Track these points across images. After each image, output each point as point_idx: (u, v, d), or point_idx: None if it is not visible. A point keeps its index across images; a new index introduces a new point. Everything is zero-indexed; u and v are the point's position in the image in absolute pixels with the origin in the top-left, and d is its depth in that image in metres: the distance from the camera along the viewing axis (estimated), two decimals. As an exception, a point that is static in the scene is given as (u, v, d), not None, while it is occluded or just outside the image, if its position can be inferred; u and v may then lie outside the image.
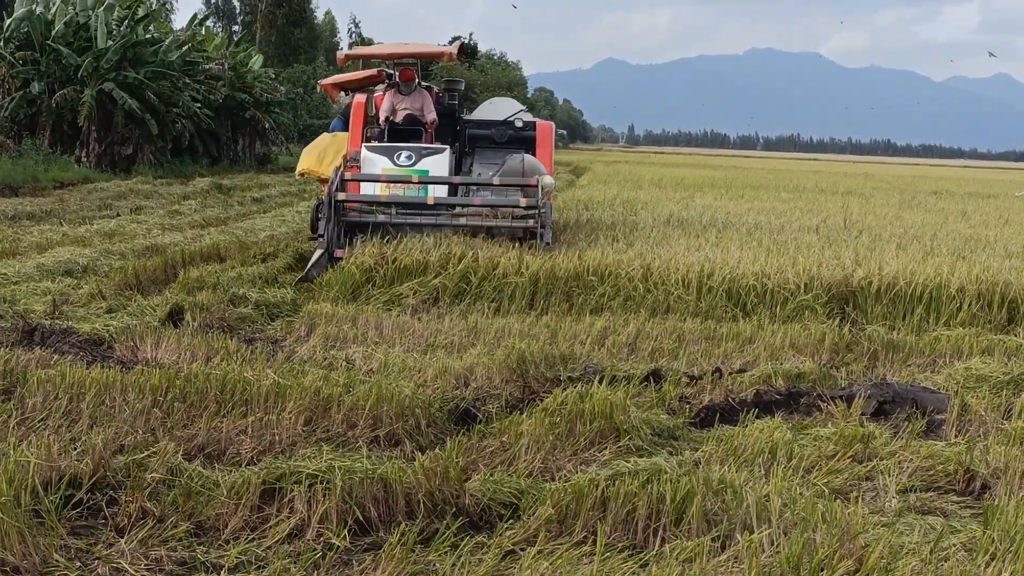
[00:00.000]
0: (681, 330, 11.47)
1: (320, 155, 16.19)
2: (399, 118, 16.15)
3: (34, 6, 34.96)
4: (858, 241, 16.78)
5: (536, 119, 17.09)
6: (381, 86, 17.46)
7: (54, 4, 35.04)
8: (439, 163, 15.14)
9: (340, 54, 17.63)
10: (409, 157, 15.17)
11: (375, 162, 15.10)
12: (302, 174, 16.59)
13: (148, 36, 36.07)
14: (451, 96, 17.94)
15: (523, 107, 17.20)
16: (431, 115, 16.24)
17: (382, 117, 16.12)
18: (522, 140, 16.45)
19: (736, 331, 11.41)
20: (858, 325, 12.23)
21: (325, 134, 16.99)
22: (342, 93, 18.23)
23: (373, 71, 17.94)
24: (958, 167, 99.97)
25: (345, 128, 16.75)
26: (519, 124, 16.63)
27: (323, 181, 15.57)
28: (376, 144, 15.50)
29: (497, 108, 17.22)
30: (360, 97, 16.34)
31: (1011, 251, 16.31)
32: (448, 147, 15.56)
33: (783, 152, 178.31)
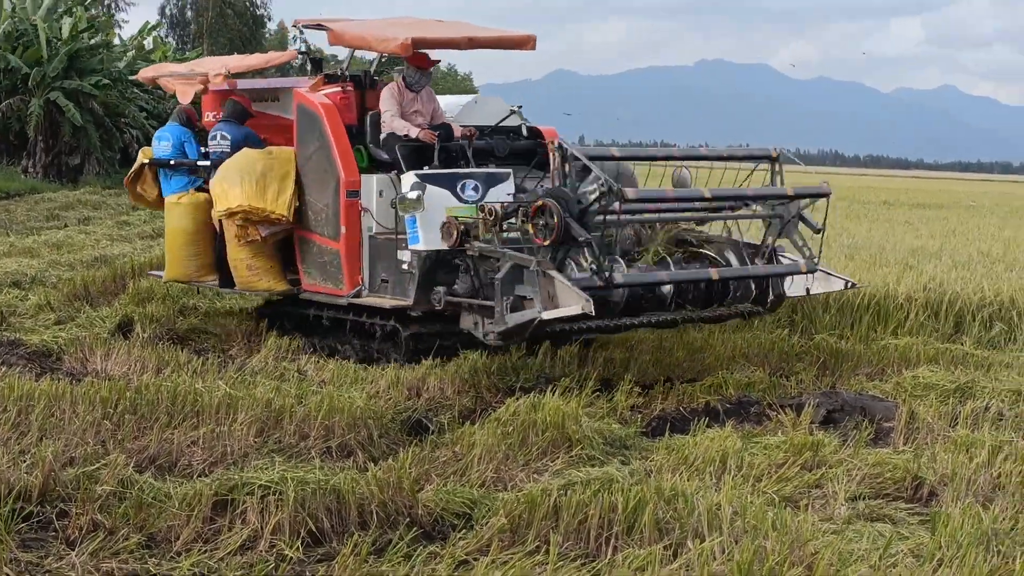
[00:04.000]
0: (632, 340, 11.52)
1: (259, 182, 10.84)
2: (416, 127, 10.86)
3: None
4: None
5: (534, 125, 12.16)
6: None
7: (-4, 13, 34.71)
8: (506, 194, 10.47)
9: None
10: (476, 188, 10.39)
11: (438, 200, 10.01)
12: (233, 214, 10.96)
13: (94, 42, 35.79)
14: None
15: (514, 106, 11.93)
16: (443, 119, 11.39)
17: (399, 126, 10.81)
18: (528, 152, 11.33)
19: (687, 341, 11.48)
20: (807, 334, 12.34)
21: (247, 150, 11.22)
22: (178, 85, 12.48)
23: (289, 52, 13.71)
24: (906, 177, 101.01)
25: (186, 132, 12.29)
26: (524, 132, 11.80)
27: (268, 221, 11.00)
28: (434, 171, 10.37)
29: (485, 109, 12.00)
30: (323, 95, 11.10)
31: (958, 261, 16.51)
32: (511, 170, 10.76)
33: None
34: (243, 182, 10.85)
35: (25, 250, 17.17)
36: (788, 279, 10.54)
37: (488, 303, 9.32)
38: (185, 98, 12.23)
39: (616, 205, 8.95)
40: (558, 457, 7.49)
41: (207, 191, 11.87)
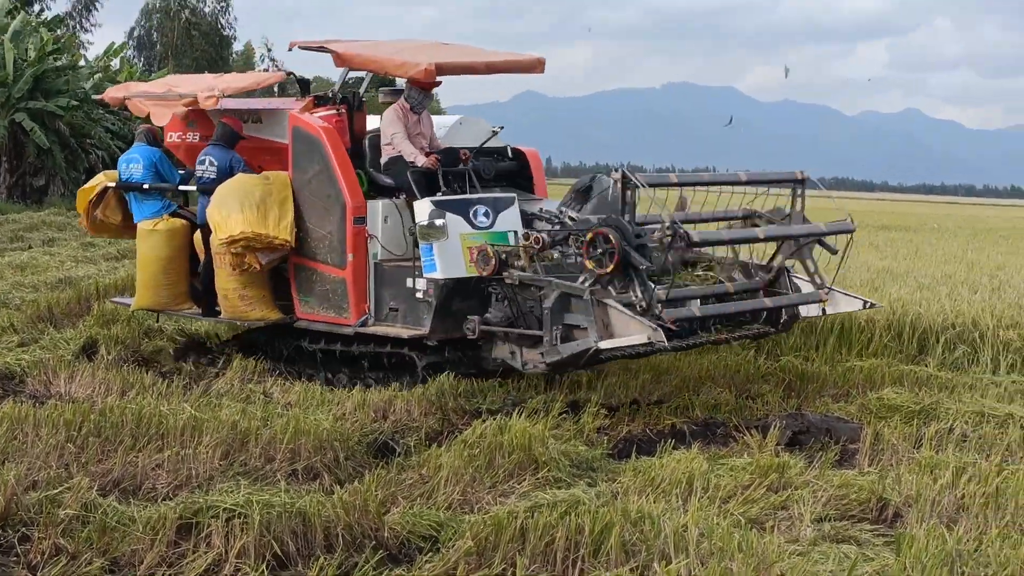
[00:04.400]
0: (599, 362, 11.54)
1: (259, 207, 10.50)
2: (420, 149, 10.85)
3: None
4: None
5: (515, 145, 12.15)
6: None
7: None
8: (513, 220, 10.33)
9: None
10: (487, 214, 10.18)
11: (452, 226, 9.90)
12: (235, 241, 10.51)
13: (60, 64, 35.60)
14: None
15: (495, 127, 11.85)
16: (437, 143, 11.36)
17: (408, 150, 10.70)
18: (513, 173, 11.53)
19: (653, 363, 11.50)
20: (772, 356, 12.39)
21: (242, 175, 10.89)
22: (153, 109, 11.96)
23: (278, 73, 12.71)
24: (871, 200, 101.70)
25: (156, 153, 11.93)
26: (511, 153, 11.77)
27: (271, 248, 10.69)
28: (446, 197, 10.24)
29: (469, 130, 11.87)
30: (320, 118, 10.82)
31: (921, 283, 16.61)
32: (515, 195, 10.62)
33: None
34: (244, 208, 10.48)
35: (-12, 271, 17.04)
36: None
37: (530, 332, 9.27)
38: (161, 120, 11.80)
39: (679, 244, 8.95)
40: (525, 479, 7.48)
41: (183, 216, 11.70)
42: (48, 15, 50.07)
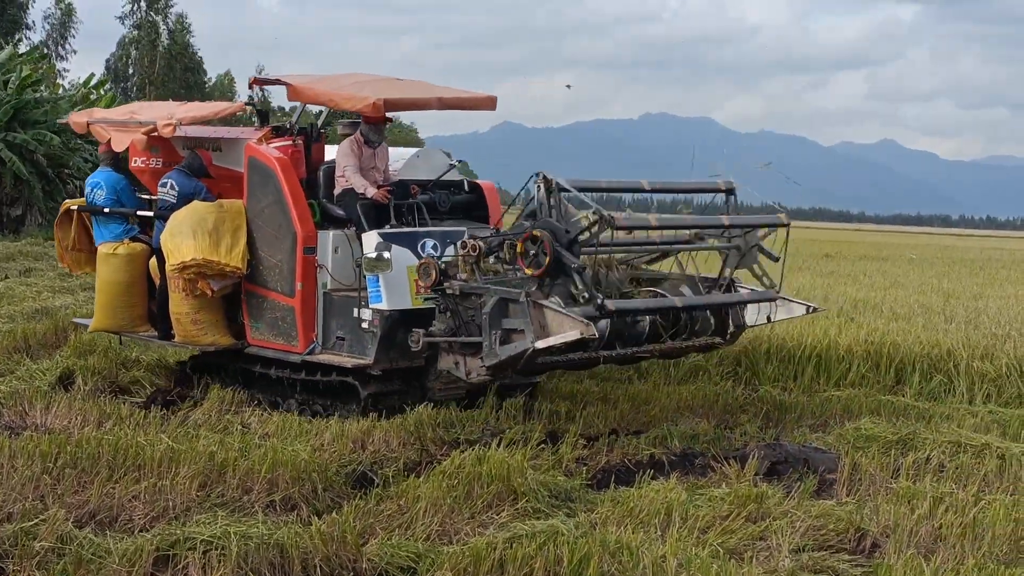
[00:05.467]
0: (578, 392, 11.55)
1: (211, 235, 10.63)
2: (373, 182, 10.88)
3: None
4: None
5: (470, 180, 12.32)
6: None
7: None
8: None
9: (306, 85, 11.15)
10: (435, 247, 10.34)
11: (399, 259, 10.01)
12: (186, 267, 10.66)
13: (37, 95, 35.55)
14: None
15: (453, 161, 12.03)
16: (390, 175, 11.44)
17: (359, 183, 10.74)
18: (469, 205, 11.61)
19: (632, 392, 11.52)
20: (751, 386, 12.42)
21: (197, 203, 10.95)
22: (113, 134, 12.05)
23: (237, 103, 12.77)
24: (849, 230, 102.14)
25: (121, 180, 12.08)
26: (466, 187, 11.81)
27: (222, 275, 10.81)
28: (394, 230, 10.39)
29: (428, 162, 11.89)
30: (276, 149, 10.95)
31: (898, 313, 16.70)
32: (465, 228, 10.63)
33: (679, 215, 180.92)
34: (196, 235, 10.62)
35: (-36, 302, 16.96)
36: (749, 310, 10.66)
37: (472, 339, 9.36)
38: (120, 146, 11.93)
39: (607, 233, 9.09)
40: (503, 510, 7.47)
41: (143, 240, 11.79)
42: (24, 45, 50.12)
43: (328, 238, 10.64)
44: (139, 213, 11.84)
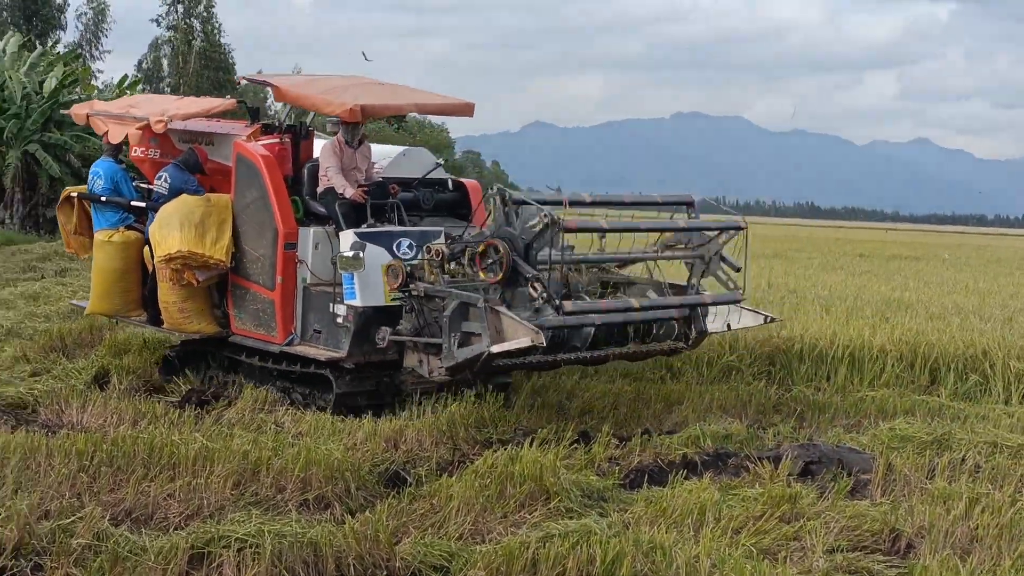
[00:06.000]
0: (610, 391, 11.54)
1: (198, 228, 10.97)
2: (354, 182, 11.16)
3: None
4: (783, 302, 17.00)
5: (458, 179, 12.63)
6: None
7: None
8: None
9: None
10: (411, 246, 10.64)
11: (374, 258, 10.29)
12: (172, 259, 11.02)
13: (73, 98, 35.85)
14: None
15: (438, 160, 12.53)
16: (372, 175, 11.68)
17: (338, 183, 11.01)
18: (453, 204, 11.89)
19: (664, 392, 11.50)
20: (784, 386, 12.38)
21: (185, 196, 11.30)
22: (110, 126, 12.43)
23: (228, 101, 12.85)
24: (881, 229, 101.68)
25: (120, 171, 12.45)
26: (450, 185, 12.09)
27: (206, 266, 11.14)
28: (371, 229, 10.66)
29: (413, 161, 12.23)
30: (262, 146, 11.25)
31: (933, 313, 16.60)
32: (442, 228, 10.88)
33: (707, 214, 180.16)
34: (183, 228, 10.98)
35: (1, 302, 17.09)
36: (711, 317, 10.86)
37: (434, 340, 9.66)
38: (116, 138, 12.27)
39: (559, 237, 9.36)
40: (536, 509, 7.47)
41: (138, 229, 12.13)
42: (61, 48, 50.46)
43: (309, 234, 10.94)
44: (133, 204, 12.18)
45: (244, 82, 12.87)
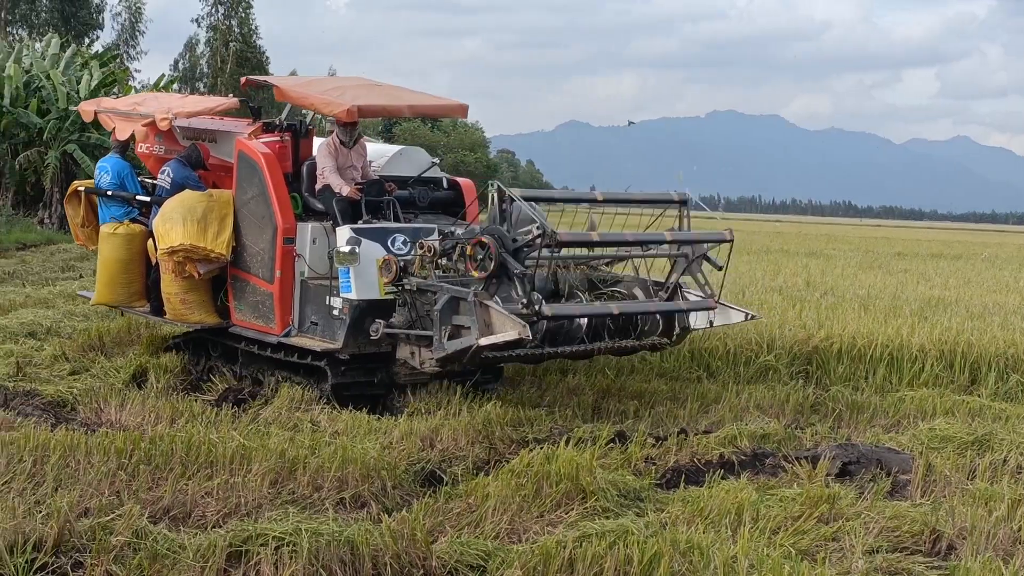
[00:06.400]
0: (646, 391, 11.51)
1: (200, 222, 11.30)
2: (350, 180, 11.52)
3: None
4: (821, 302, 16.91)
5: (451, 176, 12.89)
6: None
7: (8, 66, 34.98)
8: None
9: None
10: (405, 243, 10.90)
11: (370, 253, 10.56)
12: (175, 251, 11.34)
13: (111, 97, 36.11)
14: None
15: (435, 159, 12.78)
16: (368, 173, 12.05)
17: (335, 182, 11.35)
18: (447, 202, 12.20)
19: (701, 392, 11.46)
20: (822, 386, 12.31)
21: (188, 191, 11.64)
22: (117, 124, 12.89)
23: (232, 100, 13.02)
24: (919, 228, 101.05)
25: (127, 167, 12.92)
26: (445, 184, 12.44)
27: (207, 260, 11.46)
28: (367, 225, 10.94)
29: (410, 160, 12.59)
30: (263, 144, 11.59)
31: (973, 312, 16.46)
32: (435, 226, 11.18)
33: (744, 213, 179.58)
34: (185, 222, 11.32)
35: (41, 301, 17.22)
36: (693, 314, 11.06)
37: (426, 333, 9.95)
38: (123, 135, 12.69)
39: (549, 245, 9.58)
40: (572, 509, 7.45)
41: (142, 222, 12.51)
42: (98, 47, 50.80)
43: (307, 230, 11.24)
44: (138, 198, 12.59)
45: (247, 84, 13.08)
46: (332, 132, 11.79)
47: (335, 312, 10.78)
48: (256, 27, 75.01)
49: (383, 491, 7.73)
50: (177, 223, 11.32)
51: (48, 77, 34.38)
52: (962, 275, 26.02)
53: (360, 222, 11.01)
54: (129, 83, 45.35)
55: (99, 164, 13.20)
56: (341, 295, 10.65)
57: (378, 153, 12.33)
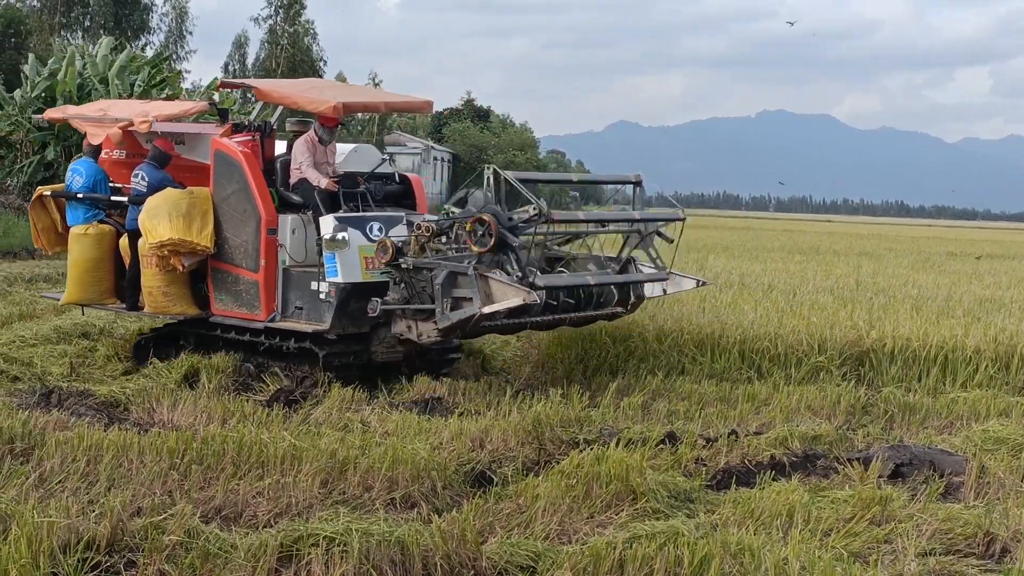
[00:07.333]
0: (696, 392, 11.47)
1: (185, 218, 11.89)
2: (325, 175, 12.32)
3: (44, 71, 35.38)
4: (872, 302, 16.77)
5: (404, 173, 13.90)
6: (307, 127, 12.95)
7: (62, 68, 35.33)
8: (401, 233, 11.74)
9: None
10: (380, 229, 11.79)
11: (353, 239, 11.50)
12: (163, 245, 11.89)
13: (163, 98, 36.42)
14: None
15: (383, 156, 13.64)
16: (336, 168, 12.87)
17: (312, 176, 12.17)
18: (399, 195, 13.04)
19: (751, 392, 11.41)
20: (874, 387, 12.21)
21: (170, 189, 12.19)
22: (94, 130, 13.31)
23: (202, 103, 13.88)
24: (972, 228, 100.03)
25: (100, 171, 13.27)
26: (398, 178, 13.38)
27: (193, 253, 12.05)
28: (347, 214, 11.86)
29: (364, 156, 13.35)
30: (239, 143, 12.23)
31: (1027, 312, 16.27)
32: (403, 213, 12.22)
33: (796, 213, 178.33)
34: (171, 218, 11.94)
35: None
36: (649, 284, 12.51)
37: (424, 307, 10.98)
38: (96, 139, 13.23)
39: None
40: (622, 510, 7.44)
41: (109, 223, 13.14)
42: (150, 51, 51.24)
43: (287, 221, 12.07)
44: (113, 199, 13.09)
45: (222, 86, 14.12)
46: (301, 132, 12.60)
47: (322, 296, 11.62)
48: (315, 34, 75.35)
49: (433, 491, 7.75)
50: (164, 219, 11.94)
51: (104, 81, 34.70)
52: (1016, 275, 25.72)
53: (341, 211, 11.96)
54: (180, 85, 45.72)
55: (71, 167, 13.67)
56: (327, 279, 11.52)
57: (339, 151, 13.27)
